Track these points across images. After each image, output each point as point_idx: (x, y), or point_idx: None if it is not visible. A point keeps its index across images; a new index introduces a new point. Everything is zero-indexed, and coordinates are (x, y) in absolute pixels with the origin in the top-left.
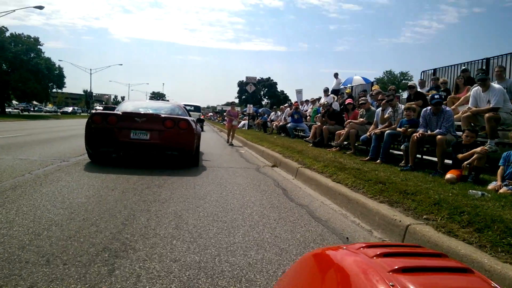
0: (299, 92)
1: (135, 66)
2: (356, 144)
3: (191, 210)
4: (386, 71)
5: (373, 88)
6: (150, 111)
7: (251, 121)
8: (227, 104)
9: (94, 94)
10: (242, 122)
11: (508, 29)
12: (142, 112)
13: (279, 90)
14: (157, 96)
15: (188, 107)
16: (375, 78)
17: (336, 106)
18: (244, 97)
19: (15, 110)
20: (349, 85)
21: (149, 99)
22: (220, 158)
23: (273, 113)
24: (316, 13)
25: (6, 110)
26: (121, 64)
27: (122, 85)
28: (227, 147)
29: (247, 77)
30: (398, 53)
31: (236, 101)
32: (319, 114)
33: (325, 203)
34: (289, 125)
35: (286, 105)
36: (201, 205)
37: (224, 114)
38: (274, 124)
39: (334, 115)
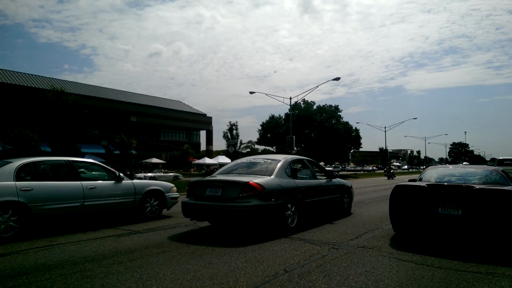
0: None
1: (431, 117)
2: None
3: None
4: None
5: None
6: (459, 181)
7: None
8: None
9: (389, 151)
10: None
11: None
12: (450, 184)
13: None
14: (458, 146)
15: (506, 162)
16: None
17: None
18: None
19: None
20: None
21: (449, 150)
22: None
23: None
24: None
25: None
26: (416, 118)
27: (417, 139)
28: None
29: None
30: None
31: None
32: None
33: None
34: None
35: None
36: None
37: None
38: None
39: None
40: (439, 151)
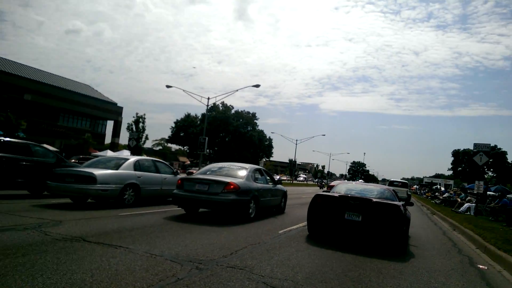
0: None
1: (338, 136)
2: None
3: None
4: None
5: None
6: (363, 195)
7: (481, 205)
8: (436, 176)
9: (298, 163)
10: (466, 205)
11: None
12: (356, 196)
13: (509, 162)
14: (357, 165)
15: (395, 183)
16: None
17: None
18: (460, 169)
19: None
20: None
21: (349, 168)
22: (432, 250)
23: None
24: None
25: None
26: (324, 135)
27: (324, 155)
28: (436, 231)
29: (476, 145)
30: None
31: (449, 173)
32: None
33: None
34: None
35: None
36: None
37: None
38: None
39: None
40: (341, 168)
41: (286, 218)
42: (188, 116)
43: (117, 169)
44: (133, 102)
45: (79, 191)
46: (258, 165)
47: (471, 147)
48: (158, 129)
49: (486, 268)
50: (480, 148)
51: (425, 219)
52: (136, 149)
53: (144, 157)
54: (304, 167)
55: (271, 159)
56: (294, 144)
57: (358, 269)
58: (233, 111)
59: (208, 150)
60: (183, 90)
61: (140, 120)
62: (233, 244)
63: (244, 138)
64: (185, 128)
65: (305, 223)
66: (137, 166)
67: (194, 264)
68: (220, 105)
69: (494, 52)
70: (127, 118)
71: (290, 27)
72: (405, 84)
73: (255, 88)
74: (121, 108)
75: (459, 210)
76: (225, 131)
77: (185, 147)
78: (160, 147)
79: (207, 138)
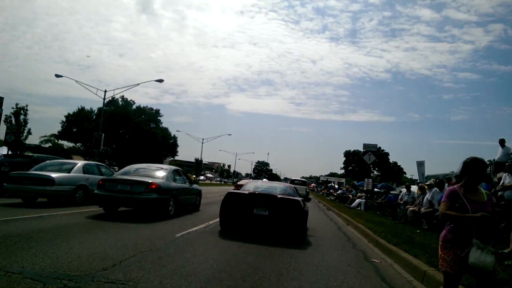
0: (420, 164)
1: (244, 137)
2: None
3: None
4: None
5: None
6: (269, 192)
7: (370, 201)
8: (331, 174)
9: (205, 162)
10: (357, 201)
11: None
12: (263, 193)
13: (391, 162)
14: (262, 165)
15: (296, 181)
16: None
17: None
18: (350, 168)
19: None
20: None
21: (254, 167)
22: (329, 246)
23: (403, 191)
24: (427, 83)
25: None
26: (230, 134)
27: (230, 154)
28: (331, 226)
29: (365, 145)
30: None
31: (342, 172)
32: None
33: None
34: None
35: (436, 181)
36: None
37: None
38: (409, 210)
39: None
40: (246, 167)
41: (186, 220)
42: (82, 110)
43: (69, 172)
44: (19, 93)
45: (38, 192)
46: (162, 164)
47: (360, 149)
48: (48, 124)
49: (379, 262)
50: (369, 148)
51: (321, 214)
52: (15, 144)
53: (90, 161)
54: (211, 167)
55: (176, 158)
56: (200, 143)
57: (258, 272)
58: (134, 107)
59: (105, 148)
60: (76, 81)
61: (22, 112)
62: (118, 253)
63: (146, 136)
64: (79, 123)
65: (206, 224)
66: (85, 169)
67: (62, 282)
68: (120, 99)
69: (377, 65)
70: (10, 111)
71: (197, 26)
72: (304, 90)
73: (160, 84)
74: (1, 98)
75: (351, 206)
76: (125, 127)
77: (78, 144)
78: (50, 144)
79: (103, 134)
